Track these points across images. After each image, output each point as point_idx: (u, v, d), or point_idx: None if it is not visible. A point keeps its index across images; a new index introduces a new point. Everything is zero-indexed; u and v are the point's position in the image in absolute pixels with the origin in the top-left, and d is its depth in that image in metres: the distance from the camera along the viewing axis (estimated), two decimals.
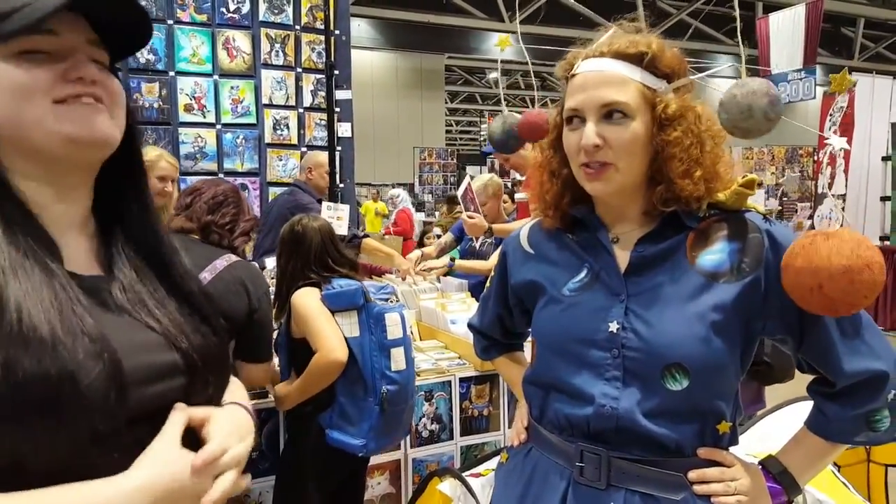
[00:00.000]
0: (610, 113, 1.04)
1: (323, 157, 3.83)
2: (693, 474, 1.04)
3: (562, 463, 1.11)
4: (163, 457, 0.72)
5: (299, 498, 2.13)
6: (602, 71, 1.06)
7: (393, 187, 12.09)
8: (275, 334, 2.21)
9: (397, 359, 2.07)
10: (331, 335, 2.01)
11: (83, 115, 0.73)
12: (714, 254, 1.05)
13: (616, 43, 1.07)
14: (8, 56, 0.71)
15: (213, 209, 1.97)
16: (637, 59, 1.05)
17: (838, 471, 1.57)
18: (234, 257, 1.95)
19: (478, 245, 3.69)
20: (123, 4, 0.77)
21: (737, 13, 1.14)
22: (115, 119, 0.77)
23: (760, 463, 1.12)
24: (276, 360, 2.24)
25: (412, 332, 2.96)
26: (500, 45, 2.22)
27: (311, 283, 2.12)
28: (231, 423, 0.82)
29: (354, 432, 2.03)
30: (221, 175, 4.11)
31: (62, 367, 0.64)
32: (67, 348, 0.65)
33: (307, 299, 2.07)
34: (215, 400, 0.87)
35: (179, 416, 0.76)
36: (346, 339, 2.04)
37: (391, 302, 2.21)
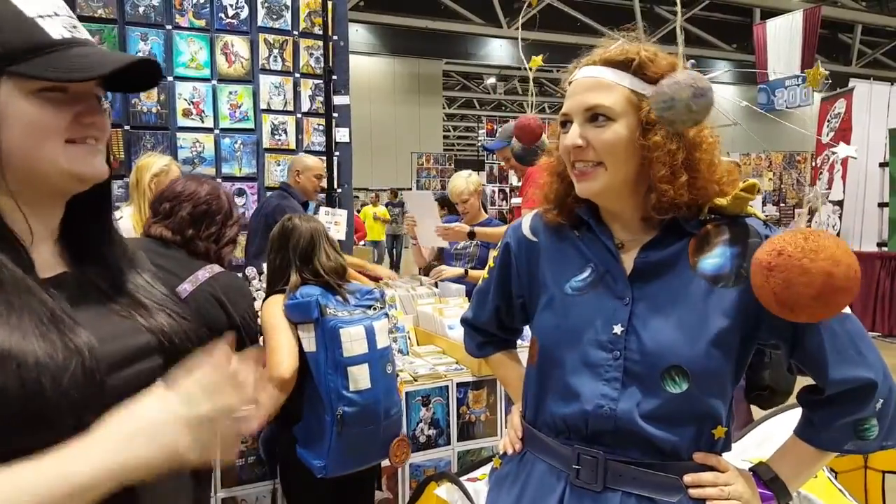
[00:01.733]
0: (595, 116, 1.07)
1: (312, 160, 3.79)
2: (688, 478, 1.05)
3: (558, 465, 1.12)
4: (151, 394, 0.74)
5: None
6: (592, 77, 1.09)
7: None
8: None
9: (357, 377, 1.94)
10: (279, 350, 1.91)
11: (87, 157, 0.79)
12: (715, 258, 1.07)
13: (609, 52, 1.10)
14: (30, 93, 0.75)
15: (196, 220, 1.86)
16: (625, 66, 1.07)
17: (835, 477, 1.57)
18: (217, 268, 1.87)
19: (460, 247, 3.71)
20: (152, 76, 0.84)
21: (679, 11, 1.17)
22: (104, 154, 0.83)
23: (751, 469, 1.13)
24: None
25: (409, 337, 2.96)
26: (533, 66, 2.23)
27: (282, 291, 2.03)
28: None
29: (317, 452, 1.95)
30: (219, 180, 4.11)
31: (43, 371, 0.67)
32: (47, 352, 0.68)
33: (271, 308, 1.99)
34: None
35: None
36: (306, 353, 1.95)
37: (375, 309, 2.08)
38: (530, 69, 2.05)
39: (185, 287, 1.77)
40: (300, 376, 1.94)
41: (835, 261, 0.91)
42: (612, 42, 1.12)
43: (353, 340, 1.94)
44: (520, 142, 2.88)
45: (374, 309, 2.07)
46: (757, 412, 2.26)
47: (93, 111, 0.79)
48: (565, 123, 1.12)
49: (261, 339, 2.06)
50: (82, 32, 0.80)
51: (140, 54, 3.87)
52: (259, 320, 2.01)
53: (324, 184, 3.81)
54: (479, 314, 1.38)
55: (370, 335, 1.99)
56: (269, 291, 2.11)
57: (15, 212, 0.76)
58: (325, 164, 3.96)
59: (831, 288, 0.90)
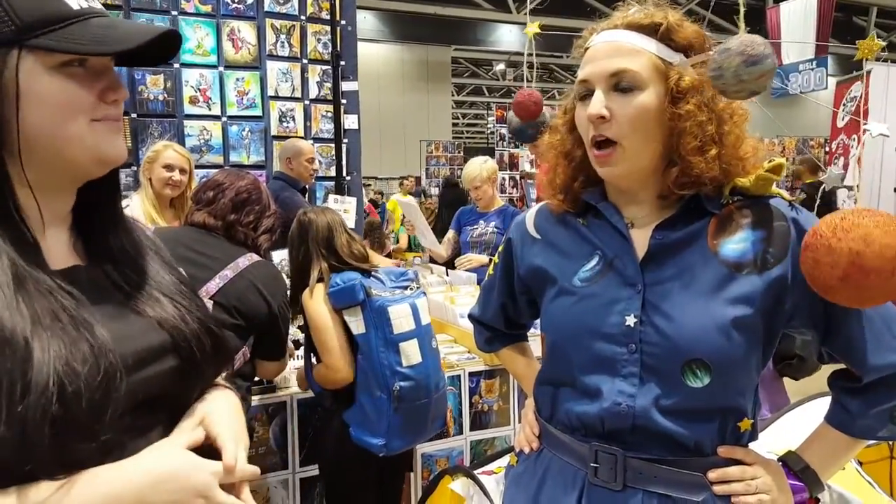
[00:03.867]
0: (619, 83, 0.99)
1: (302, 144, 3.73)
2: (713, 474, 1.00)
3: (575, 464, 1.07)
4: (167, 450, 0.74)
5: (340, 490, 2.15)
6: (614, 41, 1.01)
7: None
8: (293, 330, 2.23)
9: (408, 353, 2.01)
10: (333, 352, 2.00)
11: (112, 137, 0.76)
12: (738, 243, 1.00)
13: (631, 15, 1.03)
14: (52, 68, 0.70)
15: (237, 207, 1.95)
16: (652, 31, 1.00)
17: (861, 467, 1.53)
18: (255, 257, 1.95)
19: (476, 235, 3.67)
20: (167, 50, 0.80)
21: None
22: (123, 133, 0.80)
23: (781, 459, 1.07)
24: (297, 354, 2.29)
25: None
26: (529, 33, 2.17)
27: (319, 279, 2.08)
28: (231, 417, 0.83)
29: (374, 431, 2.00)
30: (227, 168, 4.08)
31: (59, 376, 0.64)
32: (63, 354, 0.65)
33: (318, 304, 2.04)
34: (209, 382, 0.88)
35: (193, 429, 0.78)
36: (355, 336, 2.01)
37: (410, 290, 2.14)
38: (528, 35, 1.98)
39: (227, 273, 1.83)
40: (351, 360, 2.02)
41: (866, 240, 0.83)
42: (631, 7, 1.05)
43: (400, 318, 2.01)
44: (518, 119, 2.81)
45: (411, 289, 2.13)
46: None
47: (116, 87, 0.75)
48: (583, 93, 1.04)
49: (291, 332, 2.17)
50: (96, 3, 0.75)
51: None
52: (304, 314, 2.10)
53: (316, 166, 3.77)
54: (486, 311, 1.33)
55: (415, 312, 2.06)
56: (297, 285, 2.15)
57: (29, 199, 0.72)
58: (314, 147, 3.88)
59: (859, 269, 0.83)
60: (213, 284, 1.80)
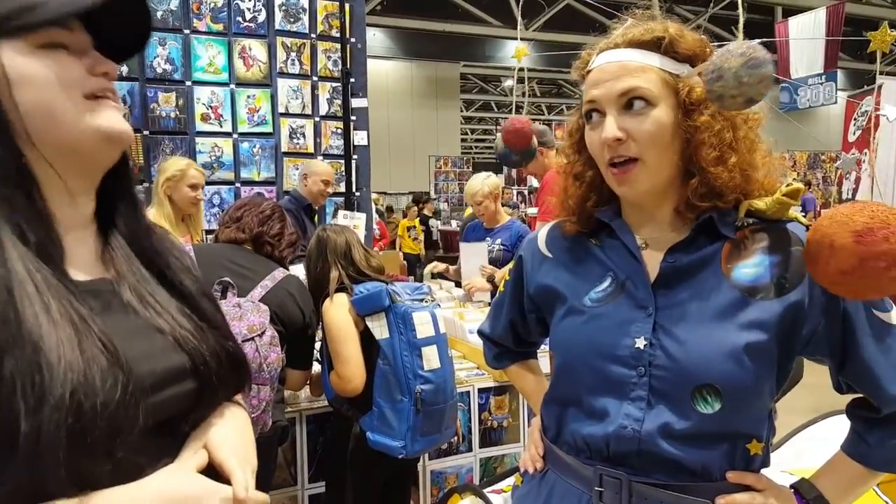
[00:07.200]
0: (630, 103, 0.97)
1: (320, 165, 3.76)
2: (721, 500, 0.96)
3: (580, 487, 1.04)
4: (178, 473, 0.73)
5: (347, 499, 2.17)
6: (618, 61, 0.99)
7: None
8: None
9: (429, 357, 2.09)
10: (350, 362, 2.06)
11: (109, 112, 0.75)
12: (752, 267, 0.97)
13: (630, 32, 1.00)
14: (31, 50, 0.71)
15: (262, 222, 2.13)
16: (654, 46, 0.98)
17: (878, 487, 1.50)
18: (285, 271, 2.10)
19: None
20: (140, 17, 0.80)
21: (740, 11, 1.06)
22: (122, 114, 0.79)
23: (793, 487, 1.03)
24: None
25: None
26: (517, 56, 2.17)
27: (340, 289, 2.15)
28: (238, 440, 0.82)
29: (393, 434, 2.06)
30: (238, 185, 4.11)
31: (76, 389, 0.63)
32: (82, 368, 0.65)
33: (338, 314, 2.10)
34: (224, 402, 0.87)
35: (198, 452, 0.77)
36: (379, 341, 2.08)
37: (426, 302, 2.22)
38: (518, 58, 1.99)
39: (267, 283, 2.00)
40: (368, 367, 2.09)
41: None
42: (622, 24, 1.03)
43: (422, 323, 2.10)
44: (513, 148, 2.75)
45: (426, 302, 2.21)
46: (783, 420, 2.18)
47: (102, 61, 0.75)
48: (591, 115, 1.02)
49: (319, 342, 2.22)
50: None
51: (157, 59, 3.89)
52: (322, 323, 2.18)
53: (331, 189, 3.78)
54: (495, 327, 1.32)
55: (434, 320, 2.16)
56: (316, 296, 2.22)
57: (53, 178, 0.72)
58: (332, 169, 3.88)
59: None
60: (257, 293, 1.96)
